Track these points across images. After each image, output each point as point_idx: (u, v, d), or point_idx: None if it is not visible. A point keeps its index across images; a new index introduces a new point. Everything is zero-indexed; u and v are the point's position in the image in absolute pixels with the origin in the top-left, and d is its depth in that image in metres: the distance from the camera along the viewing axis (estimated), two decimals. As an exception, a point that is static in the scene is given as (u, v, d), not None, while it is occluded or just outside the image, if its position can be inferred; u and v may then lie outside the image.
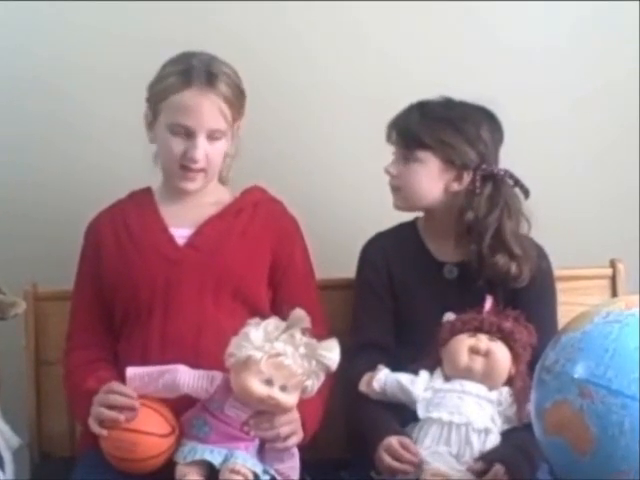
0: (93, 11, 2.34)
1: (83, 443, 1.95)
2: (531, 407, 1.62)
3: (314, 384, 1.75)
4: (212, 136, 1.93)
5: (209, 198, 2.02)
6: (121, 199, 2.07)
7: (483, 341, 1.86)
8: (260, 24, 2.38)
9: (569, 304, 2.06)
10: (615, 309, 1.56)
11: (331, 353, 1.74)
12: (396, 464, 1.77)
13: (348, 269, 2.15)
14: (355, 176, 2.37)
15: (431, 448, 1.79)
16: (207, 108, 1.91)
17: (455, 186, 2.00)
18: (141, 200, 2.04)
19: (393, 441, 1.79)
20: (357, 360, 1.94)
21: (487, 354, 1.85)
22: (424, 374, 1.88)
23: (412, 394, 1.85)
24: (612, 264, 2.24)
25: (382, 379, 1.88)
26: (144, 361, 1.86)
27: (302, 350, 1.72)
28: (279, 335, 1.73)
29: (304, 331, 1.75)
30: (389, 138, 2.04)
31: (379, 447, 1.80)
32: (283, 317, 1.81)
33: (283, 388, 1.72)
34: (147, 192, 2.06)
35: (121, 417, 1.75)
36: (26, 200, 2.39)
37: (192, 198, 2.00)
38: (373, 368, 1.91)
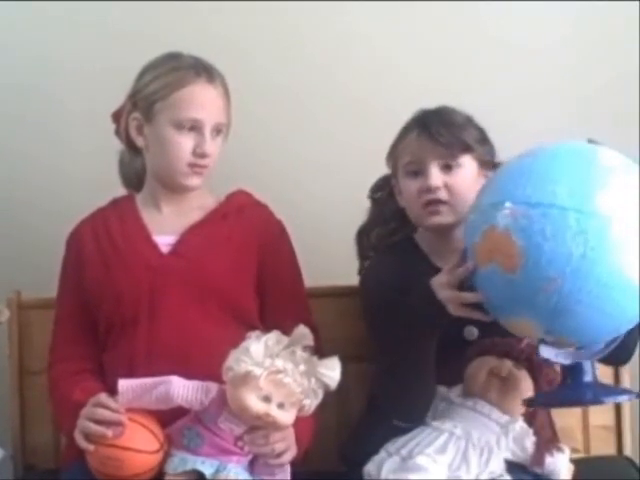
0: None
1: (68, 455, 1.91)
2: (464, 248, 1.65)
3: (312, 403, 1.71)
4: (216, 129, 1.93)
5: (193, 203, 1.99)
6: (102, 207, 2.04)
7: (506, 366, 1.83)
8: (247, 25, 2.38)
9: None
10: None
11: (332, 372, 1.70)
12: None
13: (336, 277, 2.14)
14: (344, 181, 2.37)
15: (431, 455, 1.77)
16: (213, 101, 1.93)
17: None
18: (123, 207, 2.02)
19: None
20: None
21: (506, 379, 1.83)
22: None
23: None
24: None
25: None
26: (130, 371, 1.83)
27: (302, 367, 1.69)
28: (280, 351, 1.69)
29: (305, 348, 1.71)
30: (417, 154, 1.92)
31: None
32: (270, 324, 1.79)
33: (281, 406, 1.69)
34: (129, 199, 2.04)
35: (108, 433, 1.71)
36: (8, 206, 2.37)
37: (176, 204, 1.98)
38: None
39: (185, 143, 1.91)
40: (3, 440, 2.07)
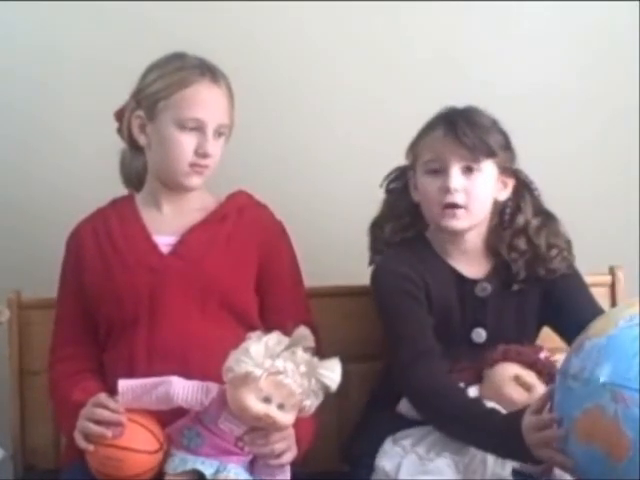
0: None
1: (68, 455, 1.91)
2: (555, 415, 1.57)
3: (313, 404, 1.71)
4: (218, 131, 1.93)
5: (193, 204, 1.99)
6: (102, 207, 2.04)
7: (531, 376, 1.83)
8: (247, 23, 2.38)
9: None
10: (636, 312, 1.52)
11: (332, 373, 1.70)
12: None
13: (337, 277, 2.14)
14: (345, 181, 2.37)
15: (449, 457, 1.77)
16: (217, 101, 1.94)
17: (502, 195, 1.96)
18: (123, 207, 2.01)
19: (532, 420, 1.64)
20: (418, 370, 1.85)
21: (530, 389, 1.82)
22: None
23: None
24: (611, 271, 2.20)
25: None
26: (131, 371, 1.83)
27: (302, 368, 1.68)
28: (280, 352, 1.68)
29: (306, 349, 1.70)
30: (440, 153, 1.90)
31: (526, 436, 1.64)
32: (271, 325, 1.78)
33: (281, 407, 1.68)
34: (129, 199, 2.03)
35: (108, 433, 1.71)
36: (9, 206, 2.36)
37: (176, 204, 1.98)
38: (435, 376, 1.84)
39: (187, 143, 1.91)
40: (3, 440, 2.06)
